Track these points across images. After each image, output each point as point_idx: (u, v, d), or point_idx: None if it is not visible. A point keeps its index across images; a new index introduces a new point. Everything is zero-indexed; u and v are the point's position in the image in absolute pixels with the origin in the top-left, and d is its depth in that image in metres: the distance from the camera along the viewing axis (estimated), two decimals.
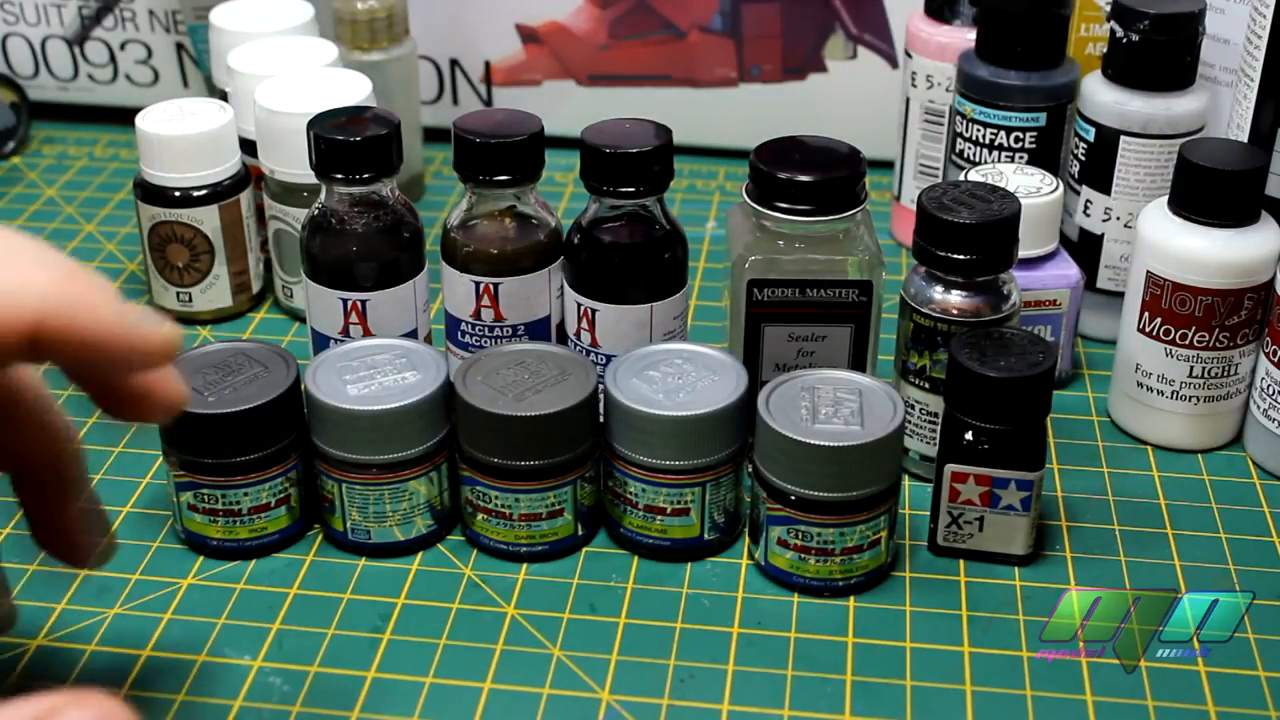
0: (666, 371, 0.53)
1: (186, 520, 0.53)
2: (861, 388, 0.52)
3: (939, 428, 0.53)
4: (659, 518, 0.52)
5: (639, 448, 0.51)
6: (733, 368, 0.53)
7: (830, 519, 0.50)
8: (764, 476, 0.51)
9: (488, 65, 0.84)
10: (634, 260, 0.56)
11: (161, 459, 0.56)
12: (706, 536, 0.53)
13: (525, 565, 0.53)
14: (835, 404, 0.51)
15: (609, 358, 0.55)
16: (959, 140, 0.68)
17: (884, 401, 0.51)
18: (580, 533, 0.54)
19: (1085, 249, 0.65)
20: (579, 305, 0.57)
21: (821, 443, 0.49)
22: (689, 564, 0.53)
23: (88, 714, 0.32)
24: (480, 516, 0.53)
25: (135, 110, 0.67)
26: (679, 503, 0.52)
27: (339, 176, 0.57)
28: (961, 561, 0.53)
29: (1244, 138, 0.58)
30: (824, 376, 0.52)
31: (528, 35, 0.83)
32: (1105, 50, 0.63)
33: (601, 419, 0.53)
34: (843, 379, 0.52)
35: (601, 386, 0.53)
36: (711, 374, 0.53)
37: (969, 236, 0.53)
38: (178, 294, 0.68)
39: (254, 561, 0.53)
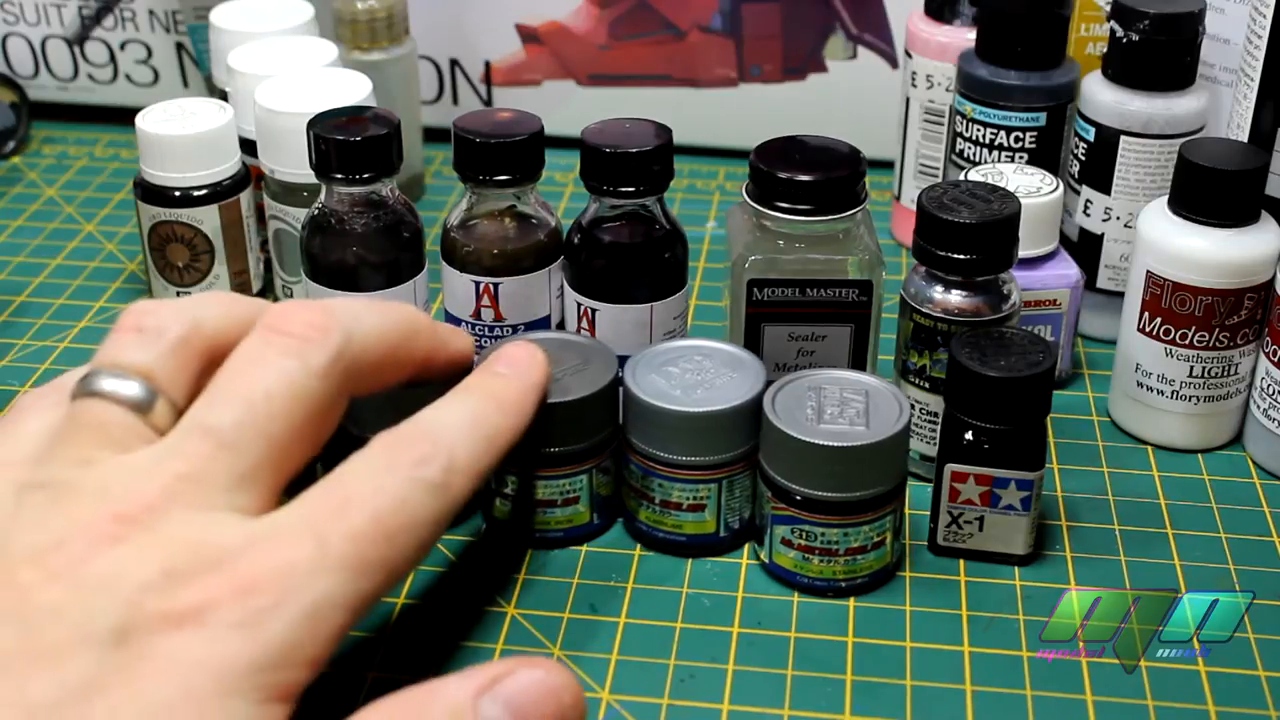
0: (685, 368, 0.53)
1: None
2: (868, 388, 0.52)
3: (939, 428, 0.53)
4: (674, 513, 0.52)
5: (656, 443, 0.52)
6: (752, 365, 0.53)
7: (834, 519, 0.50)
8: (769, 476, 0.51)
9: (488, 65, 0.84)
10: (634, 260, 0.56)
11: None
12: (722, 533, 0.53)
13: (525, 565, 0.53)
14: (841, 404, 0.51)
15: None
16: (959, 140, 0.68)
17: (890, 402, 0.51)
18: (595, 521, 0.54)
19: (1085, 249, 0.65)
20: (579, 305, 0.57)
21: (825, 443, 0.49)
22: (689, 564, 0.53)
23: (536, 674, 0.36)
24: (497, 501, 0.53)
25: (135, 110, 0.67)
26: (695, 498, 0.52)
27: (339, 176, 0.57)
28: (961, 561, 0.53)
29: (1244, 138, 0.58)
30: (831, 377, 0.52)
31: (528, 35, 0.83)
32: (1105, 50, 0.63)
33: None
34: (849, 379, 0.52)
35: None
36: (730, 371, 0.53)
37: (969, 236, 0.53)
38: (178, 294, 0.68)
39: None
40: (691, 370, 0.53)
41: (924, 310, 0.55)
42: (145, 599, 0.34)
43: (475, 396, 0.45)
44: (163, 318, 0.41)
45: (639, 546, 0.54)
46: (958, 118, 0.67)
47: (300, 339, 0.40)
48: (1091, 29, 0.70)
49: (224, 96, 0.71)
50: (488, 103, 0.85)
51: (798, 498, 0.50)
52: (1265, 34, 0.57)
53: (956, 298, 0.54)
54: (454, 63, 0.85)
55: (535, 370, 0.48)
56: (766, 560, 0.52)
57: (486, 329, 0.58)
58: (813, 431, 0.49)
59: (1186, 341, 0.57)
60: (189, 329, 0.41)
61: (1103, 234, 0.64)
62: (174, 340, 0.40)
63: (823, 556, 0.51)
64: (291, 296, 0.68)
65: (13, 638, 0.33)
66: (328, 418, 0.41)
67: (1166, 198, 0.57)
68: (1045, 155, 0.66)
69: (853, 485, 0.49)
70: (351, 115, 0.58)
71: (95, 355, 0.41)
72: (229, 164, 0.66)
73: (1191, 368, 0.58)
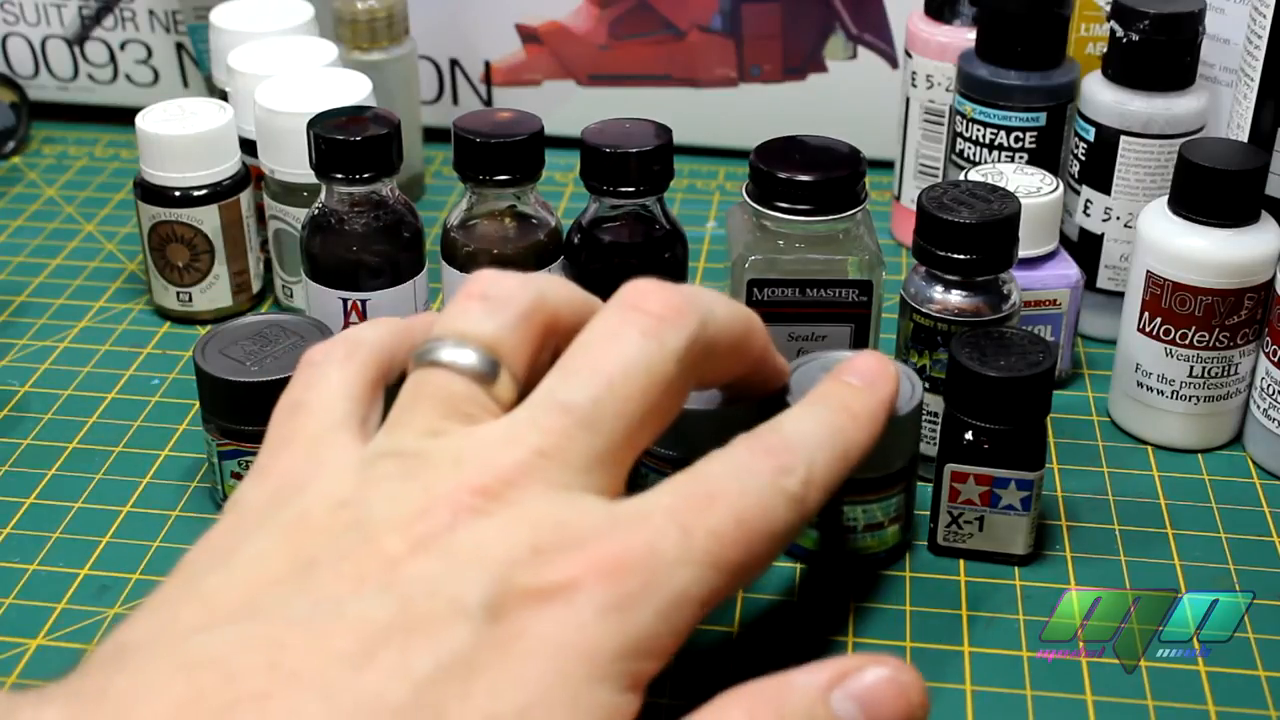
0: None
1: (229, 489, 0.54)
2: None
3: (939, 428, 0.53)
4: None
5: (668, 443, 0.51)
6: None
7: (850, 497, 0.50)
8: None
9: (488, 65, 0.84)
10: (634, 260, 0.56)
11: (161, 461, 0.56)
12: None
13: None
14: None
15: None
16: (959, 140, 0.68)
17: (903, 382, 0.51)
18: None
19: (1085, 249, 0.65)
20: None
21: None
22: None
23: (885, 670, 0.35)
24: None
25: (135, 110, 0.67)
26: None
27: (339, 176, 0.57)
28: (961, 561, 0.53)
29: (1244, 138, 0.58)
30: (844, 357, 0.52)
31: (528, 35, 0.83)
32: (1105, 50, 0.63)
33: None
34: None
35: None
36: None
37: (969, 236, 0.53)
38: (178, 294, 0.68)
39: None
40: None
41: (924, 310, 0.55)
42: (514, 574, 0.33)
43: (830, 408, 0.42)
44: (508, 289, 0.40)
45: None
46: (958, 118, 0.67)
47: (658, 319, 0.38)
48: (1091, 29, 0.70)
49: (224, 96, 0.71)
50: (488, 103, 0.85)
51: None
52: (1265, 34, 0.57)
53: (956, 298, 0.54)
54: (454, 63, 0.85)
55: (887, 383, 0.45)
56: None
57: None
58: None
59: (1186, 341, 0.57)
60: (534, 302, 0.40)
61: (1103, 234, 0.64)
62: (519, 312, 0.39)
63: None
64: (291, 297, 0.68)
65: (388, 607, 0.32)
66: (675, 404, 0.39)
67: (1166, 198, 0.57)
68: (1045, 155, 0.66)
69: (865, 463, 0.49)
70: (351, 115, 0.58)
71: (438, 321, 0.39)
72: (229, 164, 0.66)
73: (1191, 368, 0.58)
